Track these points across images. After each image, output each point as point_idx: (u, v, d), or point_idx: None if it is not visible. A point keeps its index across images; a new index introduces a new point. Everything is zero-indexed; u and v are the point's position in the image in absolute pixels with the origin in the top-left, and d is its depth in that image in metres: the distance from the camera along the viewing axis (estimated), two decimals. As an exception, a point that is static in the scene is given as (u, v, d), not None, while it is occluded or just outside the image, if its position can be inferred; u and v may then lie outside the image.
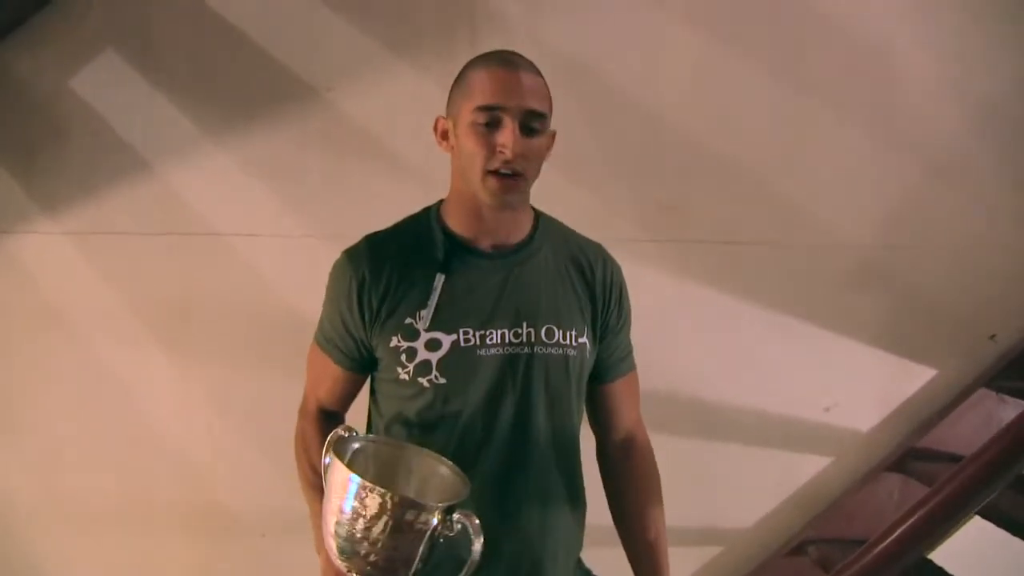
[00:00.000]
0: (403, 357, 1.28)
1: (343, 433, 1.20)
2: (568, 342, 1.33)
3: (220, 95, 2.27)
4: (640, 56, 2.33)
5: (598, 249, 1.45)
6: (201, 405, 2.34)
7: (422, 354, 1.28)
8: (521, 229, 1.35)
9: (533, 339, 1.31)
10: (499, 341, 1.30)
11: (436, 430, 1.31)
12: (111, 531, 2.36)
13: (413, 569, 1.12)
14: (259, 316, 2.31)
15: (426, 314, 1.28)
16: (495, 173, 1.24)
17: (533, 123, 1.24)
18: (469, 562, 1.10)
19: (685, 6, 2.34)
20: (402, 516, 1.08)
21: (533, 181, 1.30)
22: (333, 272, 1.34)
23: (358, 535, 1.09)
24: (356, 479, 1.08)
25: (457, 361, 1.28)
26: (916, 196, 2.43)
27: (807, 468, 2.49)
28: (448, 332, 1.28)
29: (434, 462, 1.24)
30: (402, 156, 2.26)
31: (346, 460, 1.13)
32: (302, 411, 1.44)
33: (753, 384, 2.45)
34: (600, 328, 1.39)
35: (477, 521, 1.11)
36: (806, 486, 2.49)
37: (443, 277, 1.29)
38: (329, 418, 1.42)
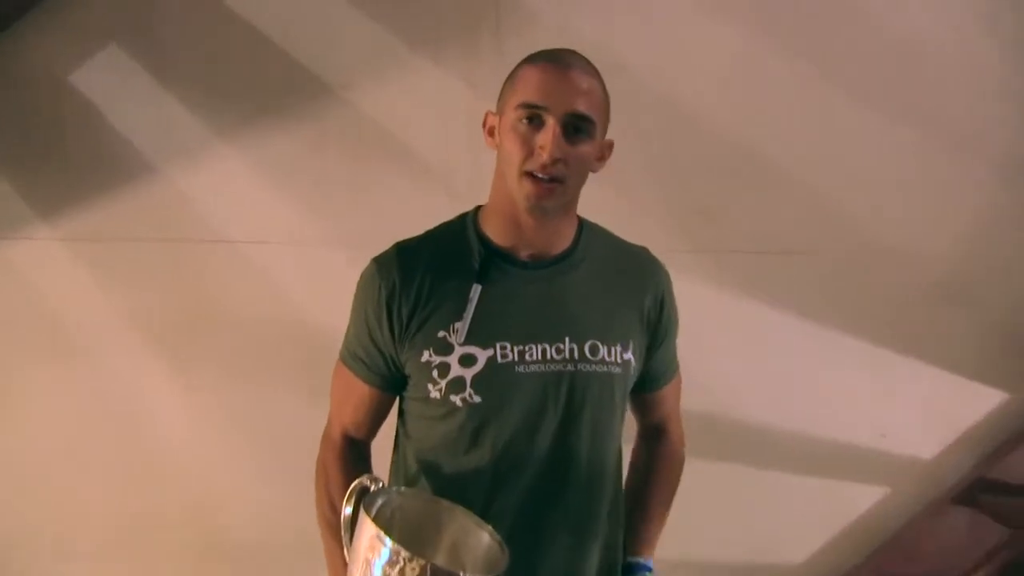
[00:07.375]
0: (435, 373, 1.25)
1: (368, 484, 1.16)
2: (613, 359, 1.29)
3: (231, 93, 2.24)
4: (673, 53, 2.28)
5: (646, 256, 1.43)
6: (208, 422, 2.31)
7: (455, 370, 1.25)
8: (563, 239, 1.31)
9: (576, 355, 1.27)
10: (539, 357, 1.26)
11: (469, 453, 1.28)
12: (116, 555, 2.32)
13: None
14: (271, 328, 2.28)
15: (461, 327, 1.24)
16: (532, 176, 1.21)
17: (579, 126, 1.21)
18: None
19: (720, -1, 2.31)
20: None
21: (576, 189, 1.28)
22: (361, 281, 1.32)
23: None
24: (389, 543, 1.05)
25: (493, 378, 1.25)
26: (978, 204, 2.35)
27: (862, 499, 2.42)
28: (484, 347, 1.25)
29: (469, 522, 1.20)
30: (424, 158, 2.23)
31: (372, 514, 1.10)
32: (325, 439, 1.40)
33: (801, 407, 2.38)
34: (648, 340, 1.37)
35: None
36: (861, 519, 2.41)
37: (479, 288, 1.26)
38: (354, 448, 1.39)
